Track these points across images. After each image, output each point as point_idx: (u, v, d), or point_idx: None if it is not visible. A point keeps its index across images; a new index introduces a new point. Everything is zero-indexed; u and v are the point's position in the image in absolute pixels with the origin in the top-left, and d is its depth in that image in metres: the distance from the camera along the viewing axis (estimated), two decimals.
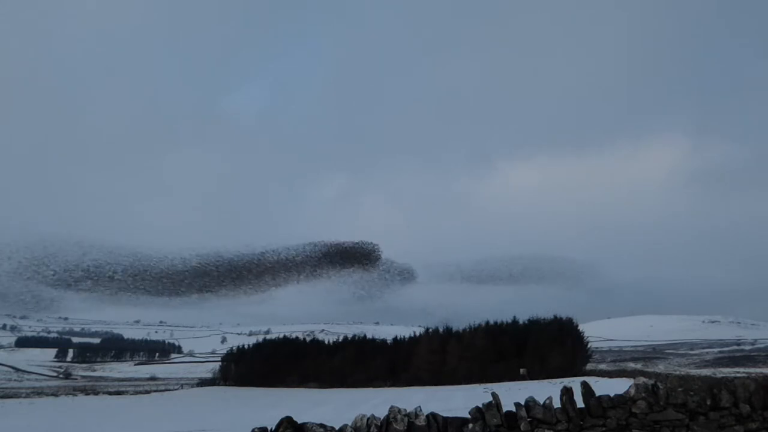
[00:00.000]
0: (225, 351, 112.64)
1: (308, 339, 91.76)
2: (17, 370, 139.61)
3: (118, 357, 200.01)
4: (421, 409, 7.07)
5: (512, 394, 16.57)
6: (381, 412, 7.17)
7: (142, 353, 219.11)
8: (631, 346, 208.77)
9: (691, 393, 7.22)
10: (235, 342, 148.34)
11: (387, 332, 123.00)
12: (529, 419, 6.92)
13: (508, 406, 7.18)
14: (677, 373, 59.12)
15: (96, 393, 64.20)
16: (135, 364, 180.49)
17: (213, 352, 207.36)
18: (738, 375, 50.71)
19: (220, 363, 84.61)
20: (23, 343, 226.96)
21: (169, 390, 72.28)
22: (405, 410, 7.01)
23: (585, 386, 7.22)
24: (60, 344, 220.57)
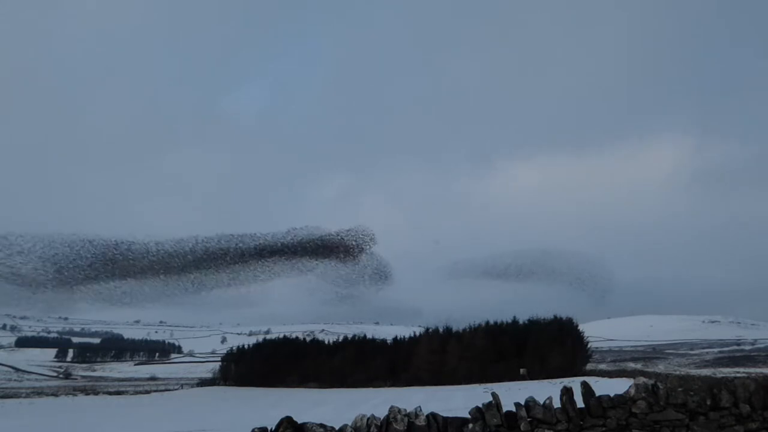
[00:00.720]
0: (225, 351, 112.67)
1: (308, 339, 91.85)
2: (17, 370, 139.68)
3: (118, 357, 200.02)
4: (421, 409, 7.07)
5: (512, 394, 16.55)
6: (381, 412, 7.17)
7: (142, 353, 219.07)
8: (631, 346, 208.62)
9: (691, 393, 7.21)
10: (235, 342, 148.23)
11: (387, 332, 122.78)
12: (529, 419, 6.92)
13: (508, 406, 7.18)
14: (677, 373, 59.09)
15: (96, 393, 64.30)
16: (135, 364, 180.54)
17: (213, 352, 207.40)
18: (738, 375, 50.65)
19: (220, 363, 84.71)
20: (23, 343, 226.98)
21: (169, 390, 72.34)
22: (405, 410, 7.01)
23: (585, 386, 7.22)
24: (60, 344, 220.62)
